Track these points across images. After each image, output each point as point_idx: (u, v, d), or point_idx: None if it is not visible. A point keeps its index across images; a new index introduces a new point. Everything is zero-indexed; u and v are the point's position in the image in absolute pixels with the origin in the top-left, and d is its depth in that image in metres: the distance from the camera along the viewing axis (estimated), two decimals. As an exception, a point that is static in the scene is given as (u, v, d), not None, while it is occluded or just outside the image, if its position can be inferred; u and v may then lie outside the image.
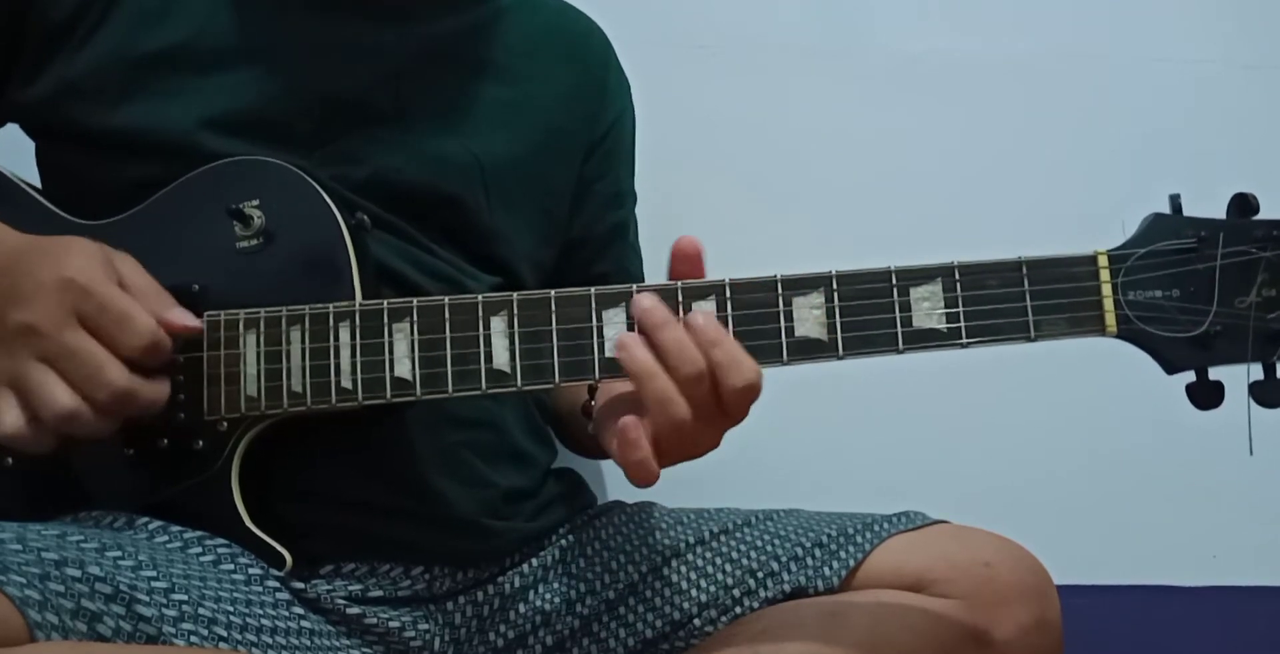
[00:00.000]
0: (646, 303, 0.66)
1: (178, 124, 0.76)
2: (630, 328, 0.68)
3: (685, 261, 0.68)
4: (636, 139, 1.00)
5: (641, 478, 0.65)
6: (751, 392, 0.65)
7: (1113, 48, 1.24)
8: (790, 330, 0.67)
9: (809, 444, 1.18)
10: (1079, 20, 1.24)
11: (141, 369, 0.66)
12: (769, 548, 0.83)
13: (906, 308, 0.68)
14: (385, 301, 0.71)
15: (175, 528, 0.70)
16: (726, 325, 0.68)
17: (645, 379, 0.64)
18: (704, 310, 0.67)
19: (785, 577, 0.81)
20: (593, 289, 0.69)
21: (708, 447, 0.68)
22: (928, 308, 0.68)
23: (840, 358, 0.68)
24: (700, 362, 0.64)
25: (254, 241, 0.73)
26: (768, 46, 1.22)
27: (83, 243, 0.68)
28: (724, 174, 1.20)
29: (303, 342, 0.71)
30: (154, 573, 0.61)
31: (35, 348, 0.64)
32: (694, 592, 0.82)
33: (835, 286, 0.68)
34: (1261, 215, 0.67)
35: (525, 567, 0.84)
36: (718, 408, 0.65)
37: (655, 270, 1.02)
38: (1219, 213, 0.68)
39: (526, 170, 0.87)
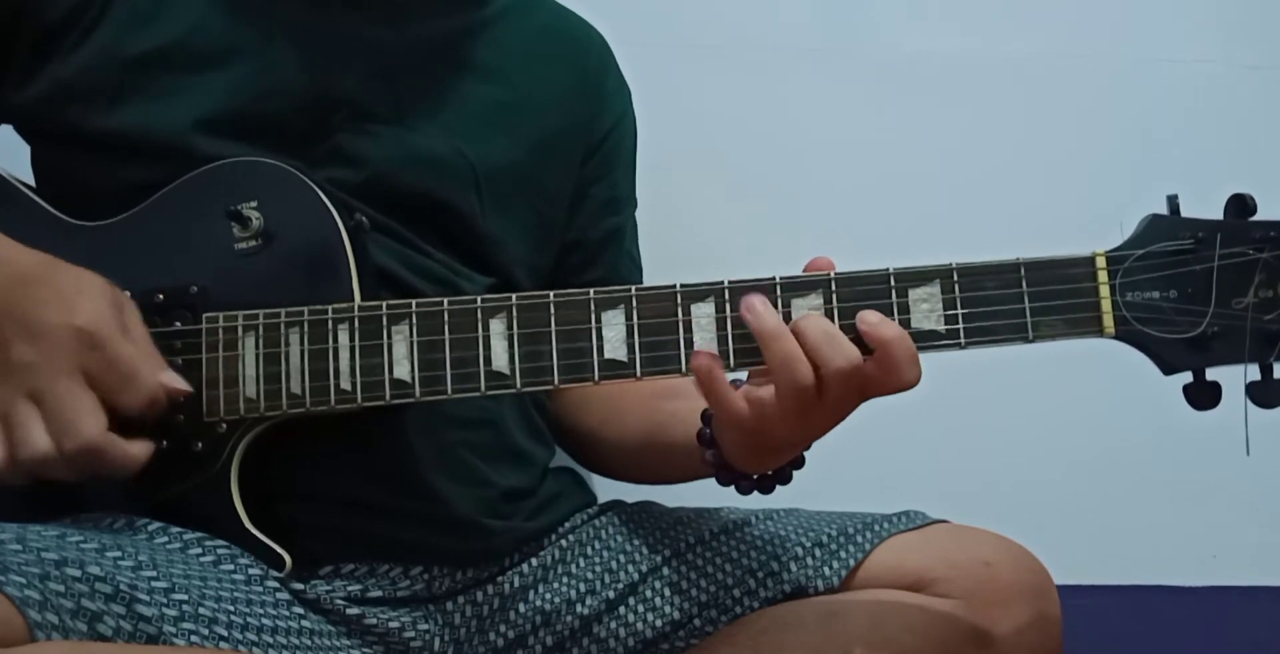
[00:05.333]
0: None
1: (172, 125, 0.76)
2: (629, 329, 0.69)
3: None
4: (638, 141, 1.00)
5: None
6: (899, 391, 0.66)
7: (1113, 48, 1.24)
8: None
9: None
10: (1079, 20, 1.24)
11: (128, 430, 0.65)
12: (769, 548, 0.83)
13: (905, 309, 0.68)
14: (384, 304, 0.71)
15: (175, 529, 0.70)
16: (724, 326, 0.68)
17: (770, 339, 0.66)
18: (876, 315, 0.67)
19: (785, 577, 0.81)
20: (591, 291, 0.70)
21: (835, 422, 0.68)
22: (926, 309, 0.68)
23: None
24: (851, 356, 0.65)
25: (252, 243, 0.73)
26: (768, 46, 1.22)
27: (93, 282, 0.67)
28: (724, 174, 1.20)
29: (301, 343, 0.71)
30: (154, 573, 0.61)
31: (30, 385, 0.63)
32: (694, 592, 0.82)
33: (834, 288, 0.68)
34: (1259, 216, 0.67)
35: (525, 566, 0.84)
36: (848, 398, 0.67)
37: (655, 273, 1.01)
38: (1217, 213, 0.68)
39: (521, 174, 0.86)
